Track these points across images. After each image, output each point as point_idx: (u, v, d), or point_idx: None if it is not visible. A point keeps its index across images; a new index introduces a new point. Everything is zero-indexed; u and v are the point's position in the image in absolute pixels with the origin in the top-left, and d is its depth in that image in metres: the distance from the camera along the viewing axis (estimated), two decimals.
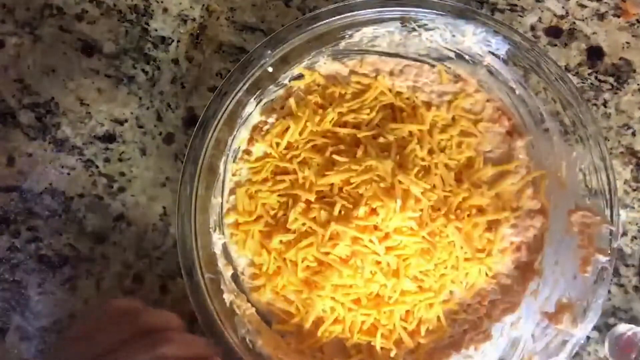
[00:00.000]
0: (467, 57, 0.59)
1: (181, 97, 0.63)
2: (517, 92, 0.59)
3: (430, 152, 0.58)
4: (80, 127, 0.63)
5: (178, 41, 0.64)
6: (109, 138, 0.63)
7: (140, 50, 0.63)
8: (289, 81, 0.59)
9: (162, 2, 0.64)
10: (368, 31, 0.58)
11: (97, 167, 0.63)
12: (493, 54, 0.58)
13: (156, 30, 0.64)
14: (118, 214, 0.63)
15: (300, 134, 0.58)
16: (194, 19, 0.64)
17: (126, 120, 0.63)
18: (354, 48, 0.59)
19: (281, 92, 0.59)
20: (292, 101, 0.59)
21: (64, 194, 0.63)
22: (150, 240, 0.62)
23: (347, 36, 0.58)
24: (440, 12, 0.56)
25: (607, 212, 0.55)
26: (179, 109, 0.63)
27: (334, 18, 0.56)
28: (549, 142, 0.58)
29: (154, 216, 0.63)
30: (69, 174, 0.63)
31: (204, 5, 0.64)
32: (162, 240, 0.62)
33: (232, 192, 0.59)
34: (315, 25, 0.56)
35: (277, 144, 0.58)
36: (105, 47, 0.64)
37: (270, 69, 0.57)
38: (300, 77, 0.59)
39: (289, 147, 0.59)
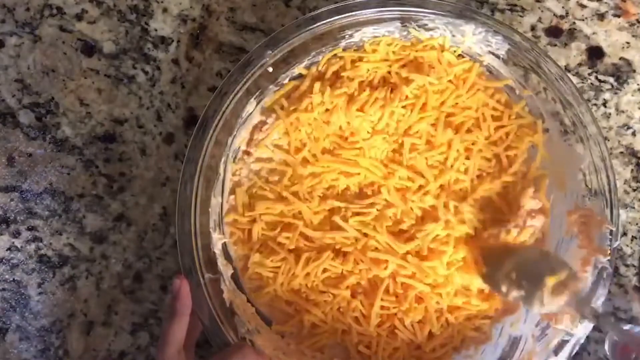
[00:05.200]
0: (467, 57, 0.59)
1: (181, 97, 0.63)
2: (517, 92, 0.59)
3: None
4: (80, 127, 0.63)
5: (178, 41, 0.64)
6: (109, 138, 0.63)
7: (140, 50, 0.63)
8: (289, 81, 0.59)
9: (162, 2, 0.64)
10: (368, 31, 0.58)
11: (97, 167, 0.63)
12: (493, 54, 0.58)
13: (156, 30, 0.64)
14: (118, 214, 0.63)
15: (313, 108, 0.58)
16: (194, 19, 0.64)
17: (126, 120, 0.63)
18: (354, 48, 0.59)
19: (281, 92, 0.59)
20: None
21: (64, 194, 0.63)
22: (150, 240, 0.62)
23: (347, 36, 0.58)
24: (440, 12, 0.56)
25: (607, 212, 0.55)
26: (179, 109, 0.63)
27: (334, 18, 0.56)
28: (549, 142, 0.58)
29: (154, 216, 0.63)
30: (69, 174, 0.63)
31: (204, 5, 0.64)
32: (162, 240, 0.62)
33: (232, 192, 0.59)
34: (315, 25, 0.56)
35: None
36: (105, 47, 0.64)
37: (270, 69, 0.57)
38: (300, 77, 0.60)
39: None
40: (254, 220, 0.59)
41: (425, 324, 0.58)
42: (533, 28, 0.63)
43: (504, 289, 0.51)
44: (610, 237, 0.55)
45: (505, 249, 0.54)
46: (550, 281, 0.49)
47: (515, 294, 0.51)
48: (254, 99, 0.58)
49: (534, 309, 0.51)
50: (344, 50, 0.59)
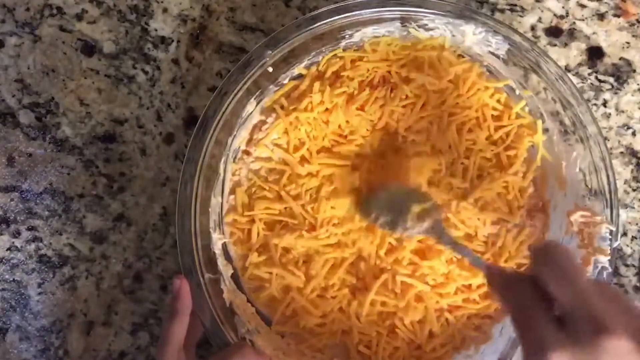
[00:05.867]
0: (467, 57, 0.59)
1: (181, 97, 0.63)
2: (517, 92, 0.59)
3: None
4: (80, 127, 0.63)
5: (178, 41, 0.64)
6: (109, 138, 0.63)
7: (140, 50, 0.63)
8: (289, 81, 0.59)
9: (162, 2, 0.64)
10: (368, 31, 0.58)
11: (97, 167, 0.63)
12: (493, 54, 0.58)
13: (156, 30, 0.64)
14: (118, 214, 0.63)
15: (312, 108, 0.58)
16: (194, 19, 0.64)
17: (126, 120, 0.63)
18: (354, 48, 0.59)
19: (281, 91, 0.60)
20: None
21: (64, 194, 0.63)
22: (150, 240, 0.62)
23: (347, 36, 0.58)
24: (440, 12, 0.56)
25: (607, 212, 0.55)
26: (179, 109, 0.63)
27: (334, 18, 0.56)
28: (549, 142, 0.58)
29: (154, 216, 0.63)
30: (69, 174, 0.63)
31: (204, 5, 0.64)
32: (162, 240, 0.62)
33: (232, 192, 0.59)
34: (315, 25, 0.56)
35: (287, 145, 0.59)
36: (105, 47, 0.64)
37: (270, 69, 0.57)
38: (300, 77, 0.60)
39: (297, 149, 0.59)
40: (252, 221, 0.59)
41: (425, 324, 0.58)
42: (533, 28, 0.63)
43: (373, 215, 0.56)
44: (610, 237, 0.55)
45: (381, 184, 0.58)
46: (416, 208, 0.54)
47: (382, 218, 0.56)
48: (254, 98, 0.58)
49: (397, 231, 0.55)
50: (344, 50, 0.59)
